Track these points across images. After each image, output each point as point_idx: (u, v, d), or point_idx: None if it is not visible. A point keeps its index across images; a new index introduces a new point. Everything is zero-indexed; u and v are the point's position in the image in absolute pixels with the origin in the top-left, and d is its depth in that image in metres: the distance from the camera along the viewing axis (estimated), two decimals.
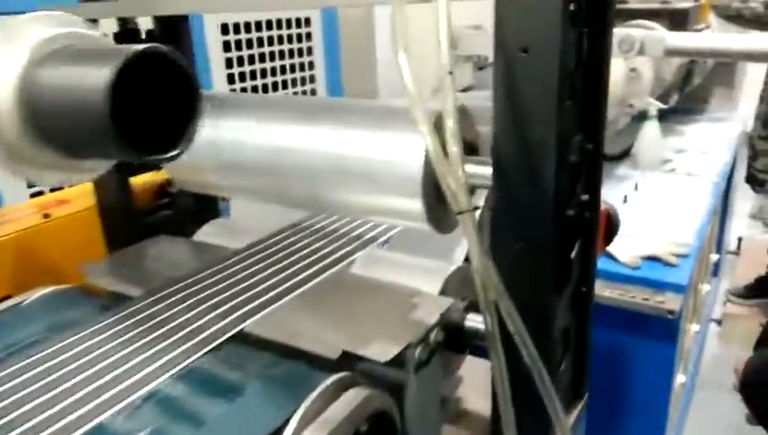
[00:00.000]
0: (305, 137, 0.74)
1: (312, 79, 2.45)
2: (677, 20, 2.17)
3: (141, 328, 0.66)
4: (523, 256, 0.61)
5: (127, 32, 0.95)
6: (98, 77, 0.49)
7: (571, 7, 0.57)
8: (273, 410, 0.55)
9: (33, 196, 1.62)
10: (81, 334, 0.66)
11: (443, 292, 0.76)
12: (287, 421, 0.53)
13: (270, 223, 0.95)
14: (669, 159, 2.09)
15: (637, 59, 1.53)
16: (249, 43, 2.23)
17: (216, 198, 1.08)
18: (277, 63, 2.35)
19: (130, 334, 0.65)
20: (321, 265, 0.80)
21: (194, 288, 0.74)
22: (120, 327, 0.66)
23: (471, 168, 0.68)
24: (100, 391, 0.56)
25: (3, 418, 0.54)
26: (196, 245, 0.92)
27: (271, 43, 2.31)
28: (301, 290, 0.74)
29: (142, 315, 0.68)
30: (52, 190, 1.58)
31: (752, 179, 2.77)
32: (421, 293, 0.72)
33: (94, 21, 0.88)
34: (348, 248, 0.84)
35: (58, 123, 0.54)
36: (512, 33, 0.55)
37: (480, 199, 0.68)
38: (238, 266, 0.79)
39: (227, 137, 0.81)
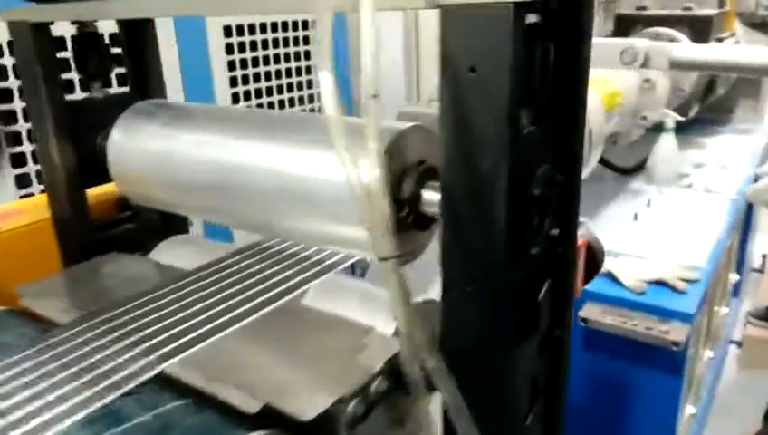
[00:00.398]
0: (252, 155, 0.68)
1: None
2: (700, 28, 2.06)
3: (53, 365, 0.59)
4: (474, 300, 0.53)
5: (86, 35, 0.89)
6: None
7: (532, 18, 0.49)
8: None
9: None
10: None
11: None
12: None
13: (239, 238, 0.88)
14: (686, 173, 1.98)
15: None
16: (253, 46, 2.18)
17: None
18: (282, 66, 2.30)
19: (40, 372, 0.58)
20: (271, 293, 0.73)
21: (126, 317, 0.68)
22: (29, 364, 0.60)
23: (429, 194, 0.61)
24: None
25: None
26: (146, 265, 0.86)
27: (276, 45, 2.26)
28: (241, 324, 0.67)
29: (59, 350, 0.62)
30: None
31: None
32: (372, 332, 0.65)
33: (49, 24, 0.83)
34: (306, 274, 0.77)
35: None
36: (458, 49, 0.47)
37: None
38: (180, 293, 0.72)
39: (176, 151, 0.75)
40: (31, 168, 1.60)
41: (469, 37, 0.47)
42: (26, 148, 1.59)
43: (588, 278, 0.73)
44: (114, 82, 1.34)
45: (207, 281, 0.76)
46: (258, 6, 0.62)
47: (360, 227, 0.61)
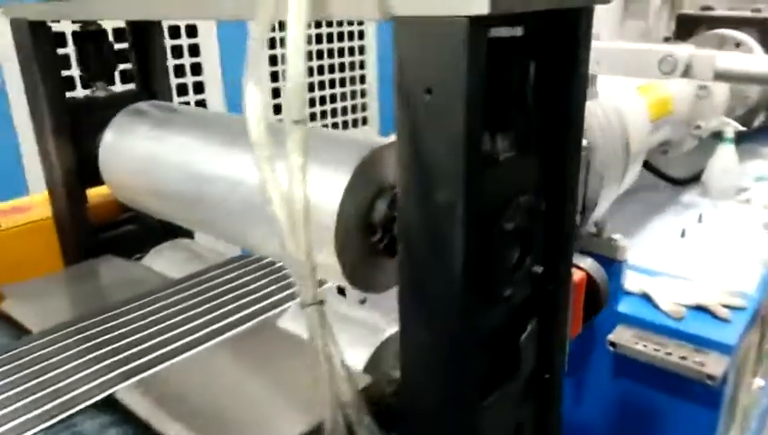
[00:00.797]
0: (224, 166, 0.64)
1: (363, 93, 2.38)
2: None
3: (12, 378, 0.58)
4: (432, 349, 0.47)
5: (89, 33, 0.88)
6: None
7: (501, 33, 0.43)
8: None
9: None
10: None
11: (374, 359, 0.63)
12: None
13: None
14: (745, 187, 1.84)
15: None
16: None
17: None
18: (326, 77, 2.29)
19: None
20: (248, 311, 0.70)
21: (97, 329, 0.66)
22: None
23: None
24: None
25: None
26: (135, 271, 0.84)
27: (320, 57, 2.25)
28: (210, 343, 0.64)
29: (20, 362, 0.60)
30: None
31: None
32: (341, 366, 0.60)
33: (42, 23, 0.81)
34: (287, 292, 0.73)
35: None
36: (414, 68, 0.42)
37: None
38: (155, 306, 0.70)
39: (159, 158, 0.72)
40: None
41: (424, 54, 0.41)
42: None
43: (588, 316, 0.66)
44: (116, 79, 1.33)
45: (186, 294, 0.73)
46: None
47: (326, 252, 0.57)
